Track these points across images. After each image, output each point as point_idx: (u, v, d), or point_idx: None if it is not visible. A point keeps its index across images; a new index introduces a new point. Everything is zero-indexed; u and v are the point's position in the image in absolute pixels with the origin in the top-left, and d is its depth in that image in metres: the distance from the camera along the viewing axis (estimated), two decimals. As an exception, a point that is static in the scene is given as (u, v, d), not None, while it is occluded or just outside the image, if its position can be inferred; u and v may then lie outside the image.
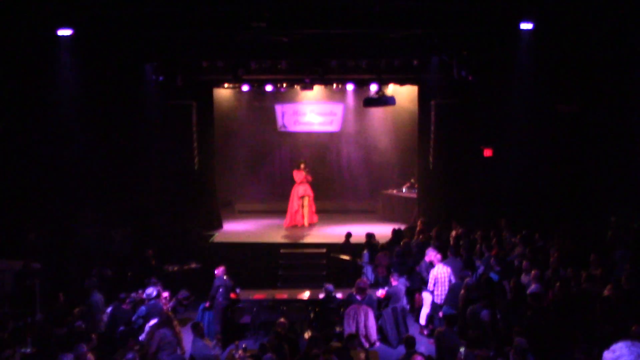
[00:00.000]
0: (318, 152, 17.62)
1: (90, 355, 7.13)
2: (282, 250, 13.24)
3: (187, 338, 8.55)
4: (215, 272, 10.28)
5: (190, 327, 8.33)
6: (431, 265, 10.20)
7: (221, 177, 16.36)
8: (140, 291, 9.91)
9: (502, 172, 13.03)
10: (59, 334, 7.96)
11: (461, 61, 11.99)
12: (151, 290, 9.37)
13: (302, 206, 15.15)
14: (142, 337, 8.63)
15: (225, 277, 10.21)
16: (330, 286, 9.85)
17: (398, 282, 10.05)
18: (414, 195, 15.67)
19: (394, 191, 16.74)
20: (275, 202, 16.98)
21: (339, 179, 17.65)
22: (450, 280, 9.83)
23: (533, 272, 8.90)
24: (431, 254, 10.26)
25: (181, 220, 14.12)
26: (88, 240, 11.96)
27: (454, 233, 12.30)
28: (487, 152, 13.57)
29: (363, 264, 11.82)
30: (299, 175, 15.21)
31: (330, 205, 17.08)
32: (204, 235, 14.10)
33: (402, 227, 13.56)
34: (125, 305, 9.24)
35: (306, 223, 15.20)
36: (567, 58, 11.75)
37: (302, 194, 15.10)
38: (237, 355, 7.78)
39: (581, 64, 11.75)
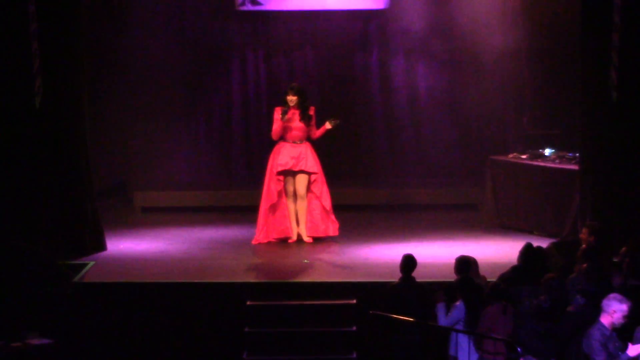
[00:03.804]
0: (335, 71, 17.23)
1: None
2: (249, 303, 11.84)
3: None
4: None
5: None
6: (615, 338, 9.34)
7: (103, 129, 16.04)
8: None
9: None
10: None
11: None
12: None
13: (292, 196, 14.02)
14: None
15: None
16: None
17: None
18: (570, 166, 14.49)
19: (524, 157, 15.30)
20: (230, 188, 16.92)
21: (387, 134, 17.33)
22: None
23: None
24: (619, 309, 9.27)
25: (6, 233, 13.16)
26: None
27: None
28: None
29: (451, 331, 10.85)
30: (282, 118, 13.97)
31: (365, 196, 16.83)
32: (61, 269, 12.79)
33: (543, 243, 12.33)
34: None
35: (305, 236, 14.00)
36: None
37: (288, 164, 13.86)
38: None
39: None
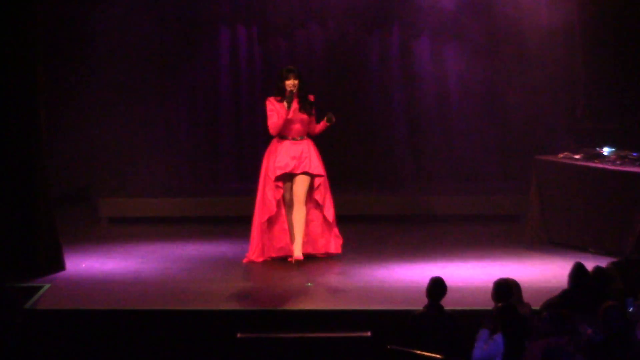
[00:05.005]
0: (347, 54, 17.13)
1: None
2: (239, 335, 11.52)
3: None
4: None
5: None
6: None
7: (62, 123, 15.88)
8: None
9: None
10: None
11: None
12: None
13: (290, 205, 13.78)
14: None
15: None
16: None
17: None
18: (633, 168, 14.38)
19: (577, 157, 15.10)
20: (216, 194, 17.04)
21: (410, 131, 17.36)
22: None
23: None
24: None
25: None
26: None
27: None
28: None
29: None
30: (279, 111, 13.55)
31: (382, 205, 16.76)
32: (8, 293, 12.62)
33: (601, 262, 12.23)
34: None
35: (297, 252, 13.53)
36: None
37: (289, 166, 13.58)
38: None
39: None
